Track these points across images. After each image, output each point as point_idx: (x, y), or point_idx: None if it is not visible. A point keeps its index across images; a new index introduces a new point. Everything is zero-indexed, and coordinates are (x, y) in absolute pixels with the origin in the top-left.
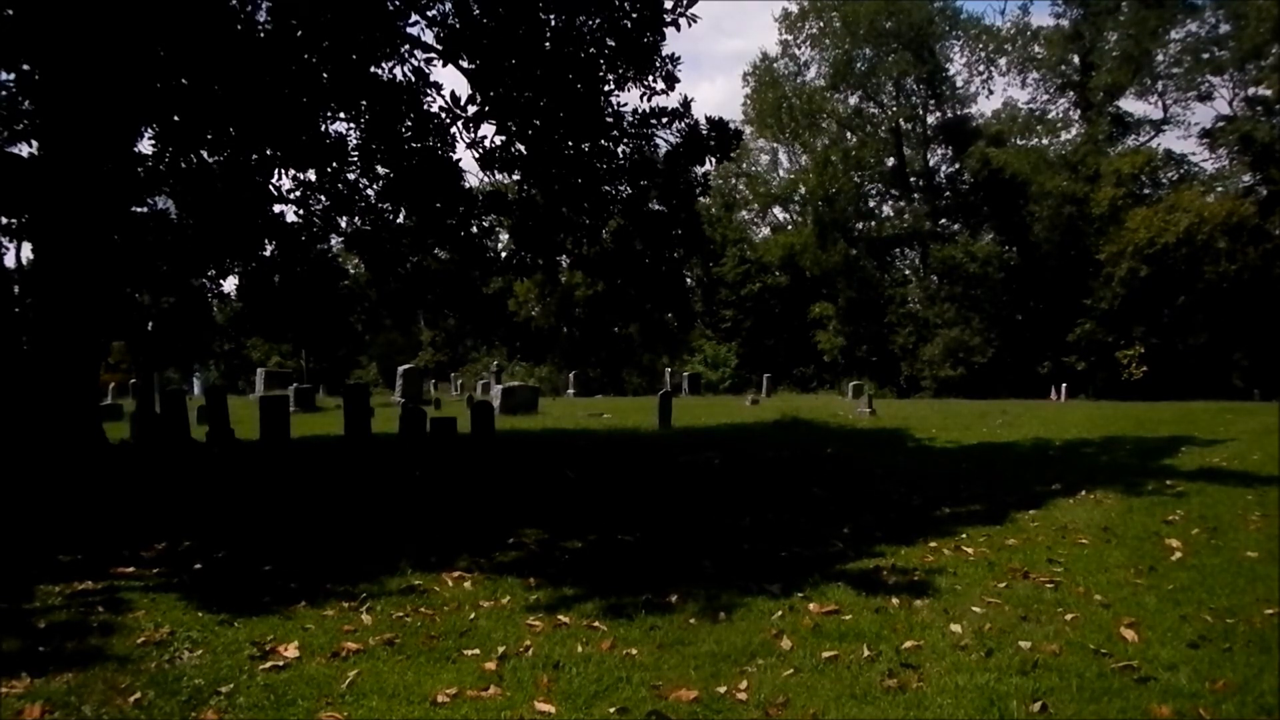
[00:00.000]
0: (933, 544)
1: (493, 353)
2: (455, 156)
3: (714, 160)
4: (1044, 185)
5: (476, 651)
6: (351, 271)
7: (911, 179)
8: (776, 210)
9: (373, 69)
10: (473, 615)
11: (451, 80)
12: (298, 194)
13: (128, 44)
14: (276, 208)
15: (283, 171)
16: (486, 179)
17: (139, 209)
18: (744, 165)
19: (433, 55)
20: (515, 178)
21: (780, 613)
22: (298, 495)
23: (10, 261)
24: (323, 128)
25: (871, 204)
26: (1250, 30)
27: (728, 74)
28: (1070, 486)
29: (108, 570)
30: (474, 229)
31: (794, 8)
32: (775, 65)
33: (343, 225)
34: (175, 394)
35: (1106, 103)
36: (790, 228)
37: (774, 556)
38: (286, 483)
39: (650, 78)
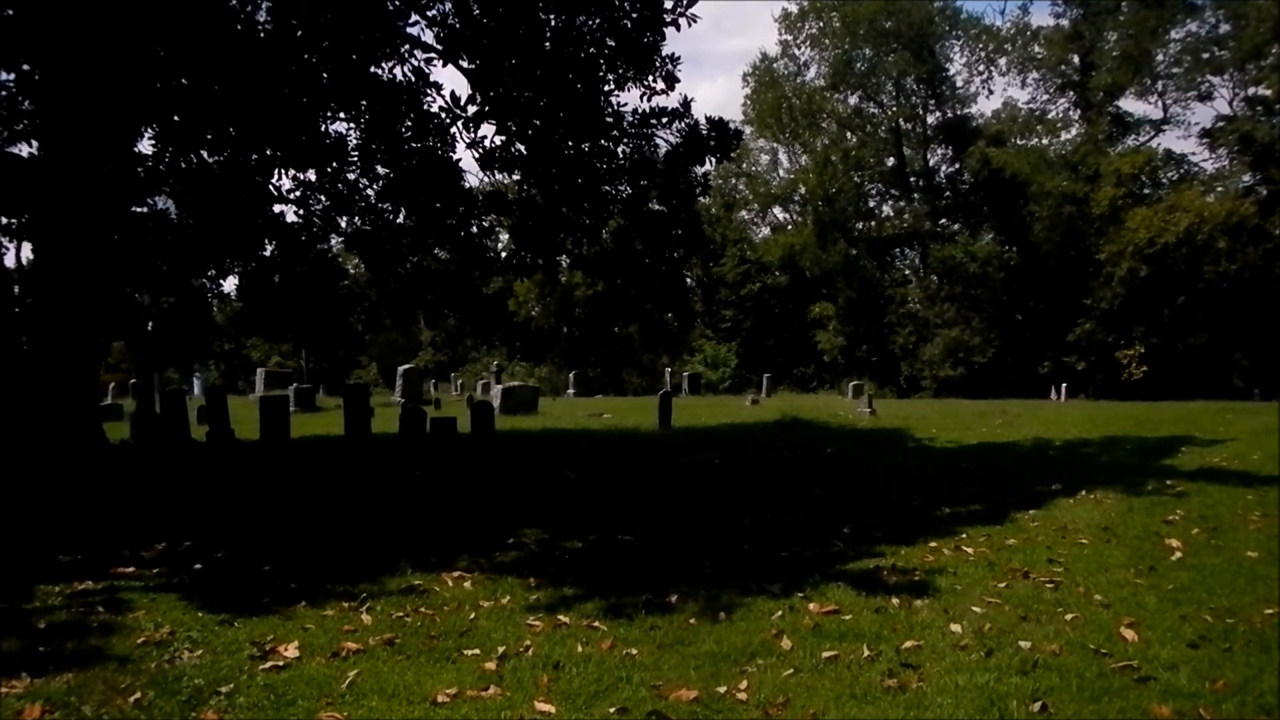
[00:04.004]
0: (933, 544)
1: (493, 353)
2: (455, 156)
3: (714, 160)
4: (1044, 185)
5: (476, 651)
6: (351, 271)
7: (911, 179)
8: (776, 210)
9: (373, 69)
10: (473, 615)
11: (451, 80)
12: (298, 194)
13: (127, 44)
14: (276, 208)
15: (283, 171)
16: (486, 179)
17: (139, 209)
18: (744, 165)
19: (433, 55)
20: (515, 178)
21: (780, 613)
22: (298, 495)
23: (10, 261)
24: (323, 128)
25: (871, 204)
26: (1250, 30)
27: (728, 74)
28: (1070, 486)
29: (108, 570)
30: (474, 229)
31: (794, 8)
32: (775, 65)
33: (343, 225)
34: (175, 394)
35: (1106, 103)
36: (790, 228)
37: (774, 556)
38: (286, 483)
39: (650, 78)
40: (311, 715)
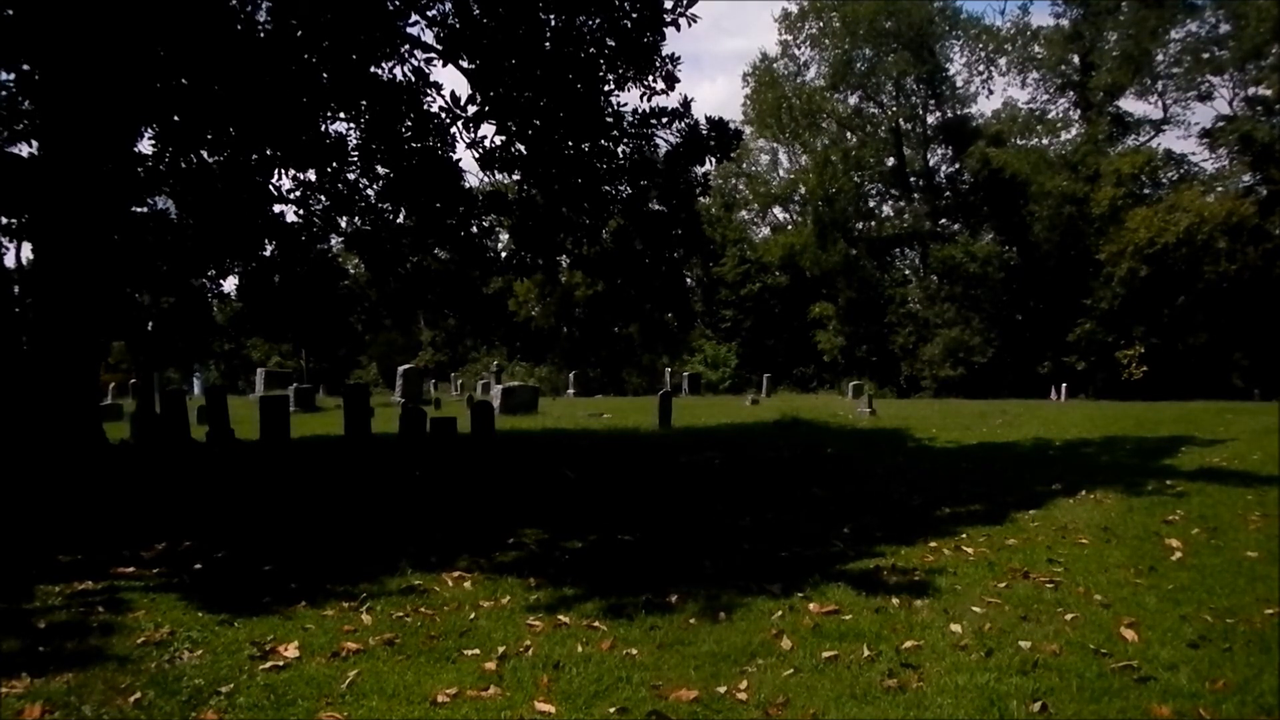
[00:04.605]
0: (933, 544)
1: (493, 353)
2: (455, 156)
3: (714, 160)
4: (1044, 185)
5: (476, 651)
6: (351, 271)
7: (911, 179)
8: (776, 210)
9: (373, 69)
10: (473, 615)
11: (451, 80)
12: (298, 194)
13: (127, 44)
14: (276, 208)
15: (283, 171)
16: (486, 179)
17: (139, 209)
18: (744, 165)
19: (433, 55)
20: (515, 178)
21: (780, 613)
22: (298, 496)
23: (10, 261)
24: (323, 128)
25: (871, 204)
26: (1250, 30)
27: (728, 74)
28: (1070, 486)
29: (108, 570)
30: (474, 229)
31: (794, 8)
32: (775, 65)
33: (343, 225)
34: (175, 394)
35: (1106, 103)
36: (790, 228)
37: (774, 556)
38: (286, 483)
39: (650, 78)
40: (311, 715)
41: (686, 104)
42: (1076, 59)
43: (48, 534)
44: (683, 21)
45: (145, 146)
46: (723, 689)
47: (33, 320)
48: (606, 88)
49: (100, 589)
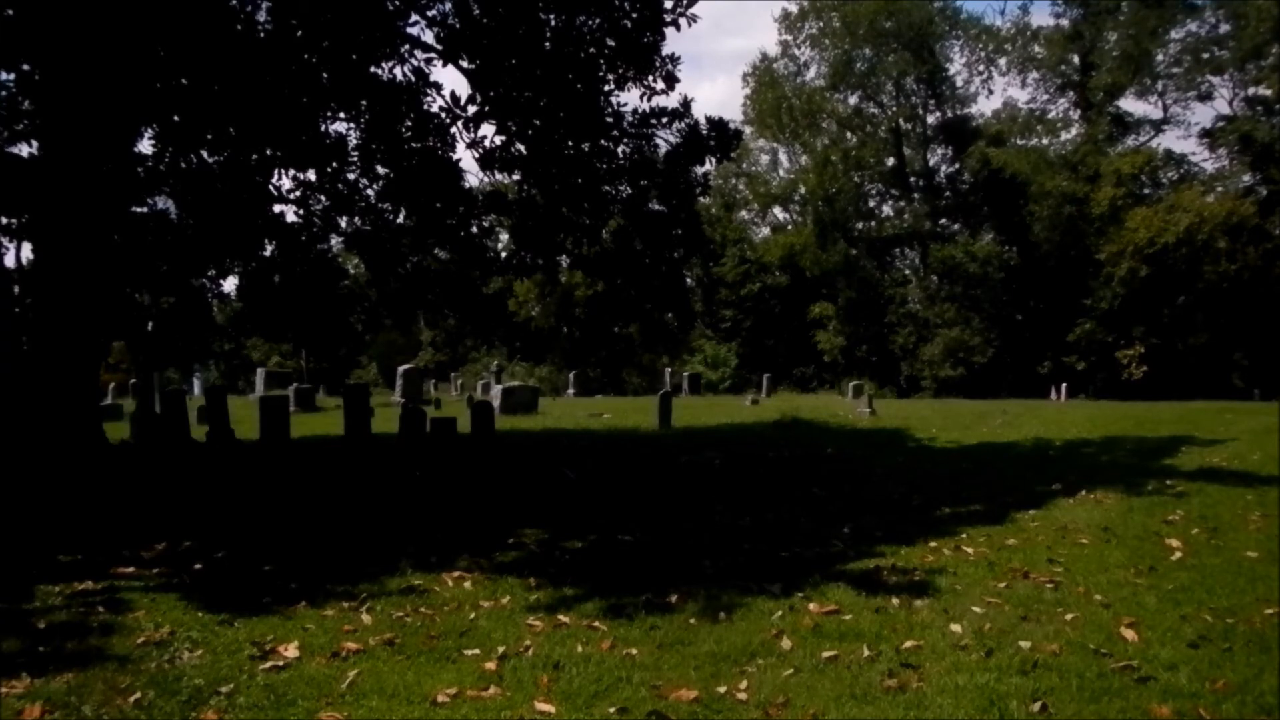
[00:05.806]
0: (933, 544)
1: (493, 353)
2: (455, 156)
3: (714, 160)
4: (1044, 185)
5: (476, 651)
6: (351, 271)
7: (911, 179)
8: (776, 210)
9: (373, 69)
10: (473, 615)
11: (451, 80)
12: (298, 194)
13: (127, 44)
14: (276, 208)
15: (283, 171)
16: (486, 179)
17: (139, 209)
18: (744, 165)
19: (433, 55)
20: (515, 178)
21: (780, 613)
22: (298, 496)
23: (10, 261)
24: (323, 128)
25: (871, 204)
26: (1250, 30)
27: (728, 74)
28: (1070, 486)
29: (108, 570)
30: (474, 229)
31: (794, 8)
32: (775, 65)
33: (343, 225)
34: (175, 394)
35: (1106, 103)
36: (790, 228)
37: (774, 556)
38: (286, 483)
39: (650, 78)
40: (311, 715)
41: (686, 104)
42: (1076, 59)
43: (48, 534)
44: (683, 21)
45: (145, 146)
46: (723, 689)
47: (33, 320)
48: (606, 88)
49: (100, 589)
